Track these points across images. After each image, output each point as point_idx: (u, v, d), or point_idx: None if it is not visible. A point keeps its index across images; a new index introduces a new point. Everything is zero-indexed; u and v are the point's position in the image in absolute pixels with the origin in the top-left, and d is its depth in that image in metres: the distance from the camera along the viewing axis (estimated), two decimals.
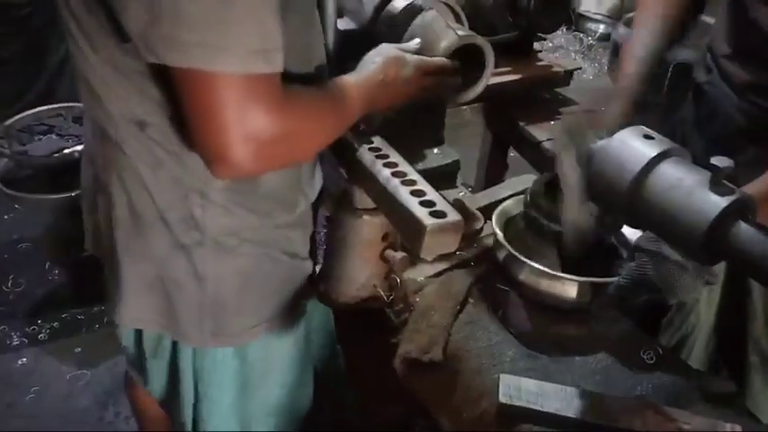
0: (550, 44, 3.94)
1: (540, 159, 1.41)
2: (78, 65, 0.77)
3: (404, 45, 0.99)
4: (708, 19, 1.19)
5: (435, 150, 1.19)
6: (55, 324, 2.02)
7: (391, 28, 1.09)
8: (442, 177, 1.19)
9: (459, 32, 0.99)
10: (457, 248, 0.87)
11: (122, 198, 0.82)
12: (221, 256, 0.84)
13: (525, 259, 0.87)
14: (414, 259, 0.96)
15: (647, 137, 0.69)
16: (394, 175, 0.81)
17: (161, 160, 0.77)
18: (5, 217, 2.32)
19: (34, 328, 1.99)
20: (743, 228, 0.60)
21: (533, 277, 0.89)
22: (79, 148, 1.84)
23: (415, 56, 0.96)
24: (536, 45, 1.56)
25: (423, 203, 0.76)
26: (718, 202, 0.61)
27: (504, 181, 1.80)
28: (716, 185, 0.62)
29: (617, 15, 4.75)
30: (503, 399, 0.78)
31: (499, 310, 0.93)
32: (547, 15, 1.31)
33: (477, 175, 1.72)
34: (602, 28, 4.68)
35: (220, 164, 0.69)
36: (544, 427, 0.77)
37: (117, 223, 0.84)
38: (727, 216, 0.60)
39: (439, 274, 0.99)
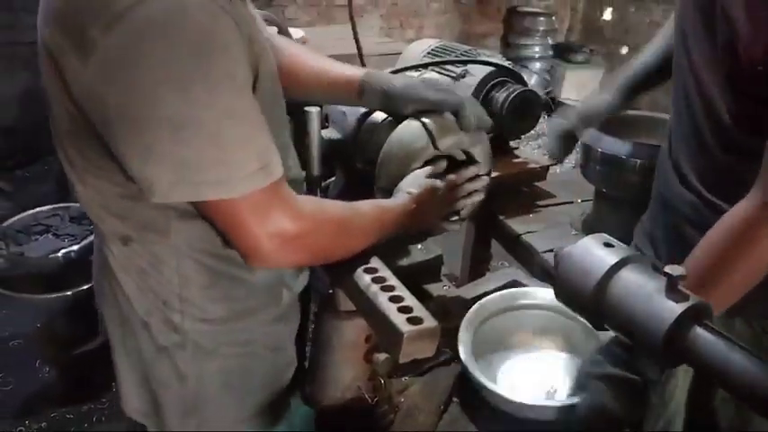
0: (534, 131, 4.07)
1: (521, 251, 1.45)
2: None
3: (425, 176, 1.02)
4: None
5: (419, 246, 1.24)
6: (43, 424, 1.98)
7: (372, 135, 1.16)
8: (425, 272, 1.22)
9: (438, 143, 1.05)
10: (439, 347, 0.89)
11: (113, 301, 0.88)
12: (202, 357, 0.88)
13: (484, 380, 0.88)
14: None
15: (608, 245, 0.74)
16: (373, 280, 0.85)
17: (143, 270, 0.83)
18: None
19: (21, 429, 1.96)
20: (699, 333, 0.64)
21: (491, 396, 0.89)
22: (75, 247, 1.89)
23: (448, 176, 1.04)
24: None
25: (400, 309, 0.79)
26: (675, 309, 0.64)
27: (489, 269, 1.85)
28: (672, 292, 0.65)
29: None
30: None
31: (477, 417, 0.94)
32: (517, 121, 1.39)
33: (463, 265, 1.76)
34: None
35: (255, 258, 0.77)
36: None
37: (110, 324, 0.90)
38: (684, 321, 0.64)
39: (423, 373, 1.01)
